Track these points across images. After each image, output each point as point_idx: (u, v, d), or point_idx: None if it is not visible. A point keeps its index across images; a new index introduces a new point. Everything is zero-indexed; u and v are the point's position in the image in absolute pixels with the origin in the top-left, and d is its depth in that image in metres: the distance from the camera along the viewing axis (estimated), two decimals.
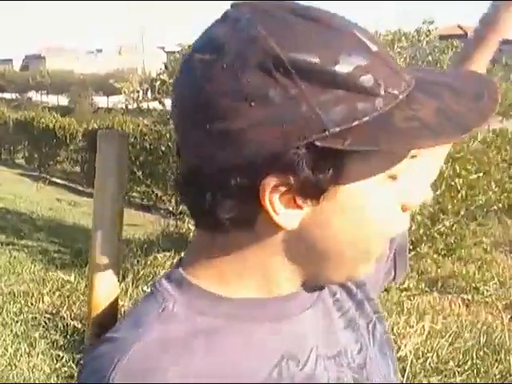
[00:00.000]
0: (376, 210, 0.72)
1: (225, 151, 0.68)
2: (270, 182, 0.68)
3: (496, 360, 4.60)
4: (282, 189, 0.68)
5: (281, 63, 0.65)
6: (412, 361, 4.05)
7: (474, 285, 8.28)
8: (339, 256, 0.75)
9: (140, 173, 15.50)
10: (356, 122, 0.66)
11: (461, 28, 36.83)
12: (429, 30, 8.38)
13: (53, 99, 44.16)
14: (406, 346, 4.27)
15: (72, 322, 5.34)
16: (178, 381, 0.68)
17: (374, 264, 0.81)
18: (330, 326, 0.84)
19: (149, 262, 6.77)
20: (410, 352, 4.18)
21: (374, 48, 0.69)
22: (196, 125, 0.69)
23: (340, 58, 0.66)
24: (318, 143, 0.66)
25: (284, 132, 0.66)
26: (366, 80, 0.67)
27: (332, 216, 0.71)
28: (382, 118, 0.67)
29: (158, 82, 12.05)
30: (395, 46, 7.58)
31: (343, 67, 0.66)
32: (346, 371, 0.82)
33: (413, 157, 0.74)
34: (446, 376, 4.06)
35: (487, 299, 8.26)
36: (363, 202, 0.71)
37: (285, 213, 0.70)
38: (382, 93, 0.68)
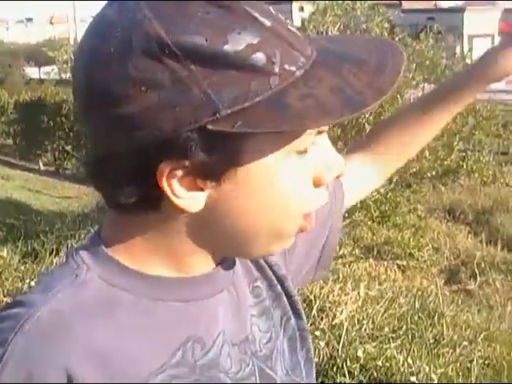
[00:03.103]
0: (283, 186, 0.71)
1: (120, 136, 0.67)
2: (166, 166, 0.67)
3: (430, 324, 4.70)
4: (179, 172, 0.68)
5: (166, 46, 0.64)
6: (347, 328, 4.08)
7: (409, 251, 8.44)
8: (248, 234, 0.74)
9: (71, 145, 15.27)
10: (247, 103, 0.65)
11: None
12: None
13: None
14: (341, 313, 4.31)
15: (5, 299, 5.21)
16: (82, 353, 0.68)
17: (294, 240, 0.80)
18: (240, 312, 0.83)
19: (83, 236, 6.65)
20: (346, 319, 4.22)
21: (267, 23, 0.67)
22: (92, 110, 0.69)
23: (229, 38, 0.65)
24: (209, 127, 0.65)
25: (175, 116, 0.65)
26: (258, 58, 0.65)
27: (235, 196, 0.71)
28: (276, 97, 0.66)
29: None
30: (327, 15, 7.57)
31: (232, 46, 0.65)
32: (249, 359, 0.82)
33: (320, 132, 0.73)
34: (381, 342, 4.10)
35: (422, 265, 8.45)
36: (266, 179, 0.70)
37: (186, 195, 0.69)
38: (277, 70, 0.66)
